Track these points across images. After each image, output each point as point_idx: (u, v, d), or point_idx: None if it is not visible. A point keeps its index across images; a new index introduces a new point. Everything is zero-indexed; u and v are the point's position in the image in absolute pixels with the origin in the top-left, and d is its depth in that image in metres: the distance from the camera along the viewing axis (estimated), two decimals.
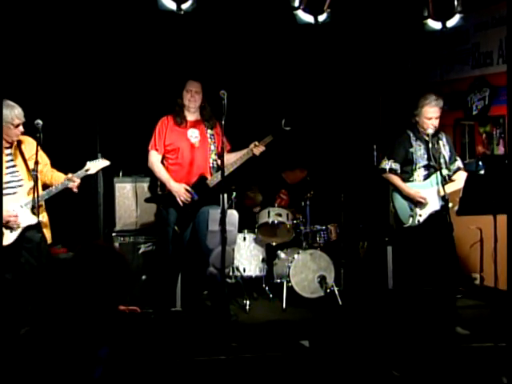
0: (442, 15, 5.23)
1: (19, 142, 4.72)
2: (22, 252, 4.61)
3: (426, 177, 5.27)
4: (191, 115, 5.58)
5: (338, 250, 6.59)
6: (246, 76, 6.84)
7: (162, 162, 5.57)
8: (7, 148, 4.63)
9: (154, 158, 5.54)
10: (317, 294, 6.05)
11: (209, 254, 5.22)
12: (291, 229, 6.32)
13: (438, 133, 5.33)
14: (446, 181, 5.16)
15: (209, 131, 5.57)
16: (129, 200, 6.14)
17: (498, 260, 4.44)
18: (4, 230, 4.45)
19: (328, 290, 6.00)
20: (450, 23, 5.24)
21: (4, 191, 4.43)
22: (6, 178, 4.54)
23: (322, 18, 5.08)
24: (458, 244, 5.82)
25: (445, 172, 5.22)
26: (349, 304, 6.02)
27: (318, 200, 6.50)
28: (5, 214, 4.44)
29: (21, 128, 4.59)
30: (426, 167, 5.28)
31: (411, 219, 5.25)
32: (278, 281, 6.26)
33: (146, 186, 6.16)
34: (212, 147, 5.55)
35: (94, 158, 4.99)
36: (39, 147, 4.59)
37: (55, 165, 4.95)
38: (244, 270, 6.24)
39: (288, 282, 6.04)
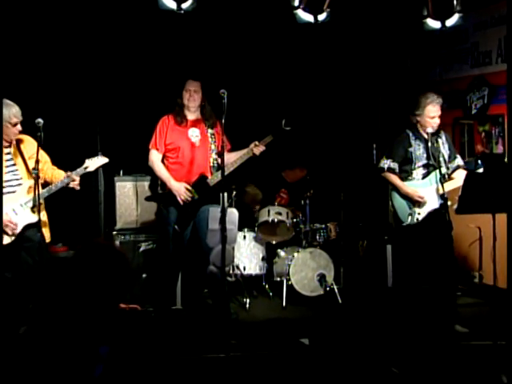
0: (441, 14, 5.23)
1: (18, 141, 4.71)
2: (21, 251, 4.61)
3: (425, 175, 5.29)
4: (191, 114, 5.59)
5: (338, 249, 6.59)
6: (245, 75, 6.84)
7: (163, 161, 5.57)
8: (6, 147, 4.63)
9: (155, 157, 5.55)
10: (316, 292, 6.05)
11: (209, 252, 5.24)
12: (291, 227, 6.32)
13: (438, 131, 5.34)
14: (444, 179, 5.17)
15: (209, 130, 5.57)
16: (129, 199, 6.16)
17: (497, 258, 4.45)
18: None
19: (328, 289, 6.02)
20: (450, 22, 5.23)
21: (4, 190, 4.43)
22: (5, 177, 4.54)
23: (321, 17, 5.08)
24: (457, 242, 5.84)
25: (444, 170, 5.23)
26: (348, 302, 6.02)
27: (317, 199, 6.51)
28: (6, 218, 4.45)
29: (19, 127, 4.58)
30: (425, 166, 5.29)
31: (410, 218, 5.27)
32: (278, 279, 6.27)
33: (146, 184, 6.17)
34: (212, 146, 5.56)
35: (94, 156, 4.98)
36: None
37: (56, 164, 4.95)
38: (244, 269, 6.24)
39: (288, 280, 6.05)
